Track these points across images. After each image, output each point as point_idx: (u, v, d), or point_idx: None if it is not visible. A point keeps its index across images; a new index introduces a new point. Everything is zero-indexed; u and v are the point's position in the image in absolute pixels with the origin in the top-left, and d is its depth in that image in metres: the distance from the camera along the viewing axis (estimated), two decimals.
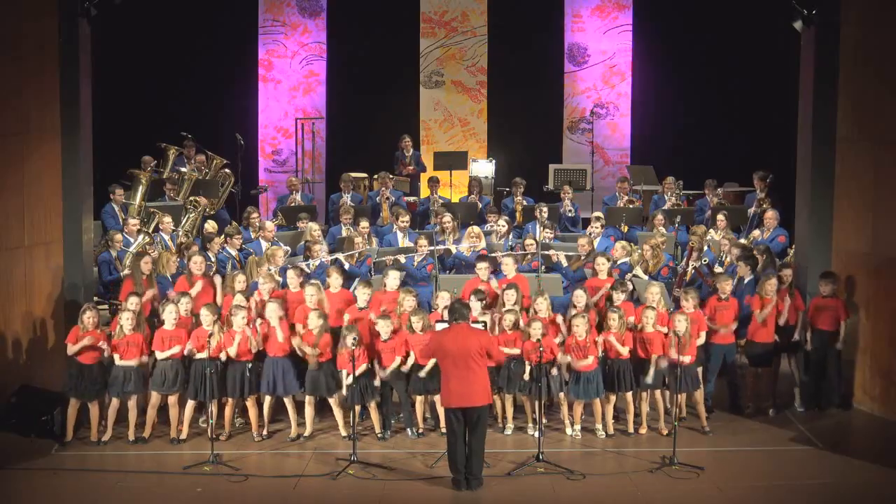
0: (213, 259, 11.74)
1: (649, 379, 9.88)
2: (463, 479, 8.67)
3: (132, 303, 9.98)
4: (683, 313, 9.96)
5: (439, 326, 9.48)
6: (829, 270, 10.72)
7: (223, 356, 9.74)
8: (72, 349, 9.71)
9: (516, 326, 9.89)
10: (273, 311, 9.90)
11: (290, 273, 10.61)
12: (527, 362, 9.73)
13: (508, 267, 10.91)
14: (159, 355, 9.81)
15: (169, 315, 9.86)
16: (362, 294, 10.29)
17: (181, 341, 9.82)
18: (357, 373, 9.67)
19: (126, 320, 9.78)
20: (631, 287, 10.75)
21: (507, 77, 16.94)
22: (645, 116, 16.97)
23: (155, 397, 9.84)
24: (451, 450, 8.71)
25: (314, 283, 10.33)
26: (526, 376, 9.74)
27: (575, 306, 10.15)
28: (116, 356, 9.77)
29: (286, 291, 10.53)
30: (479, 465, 8.72)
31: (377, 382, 9.88)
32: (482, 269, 10.82)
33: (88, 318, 9.76)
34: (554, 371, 9.82)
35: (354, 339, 9.55)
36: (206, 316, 9.82)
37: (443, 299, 10.15)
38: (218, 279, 10.94)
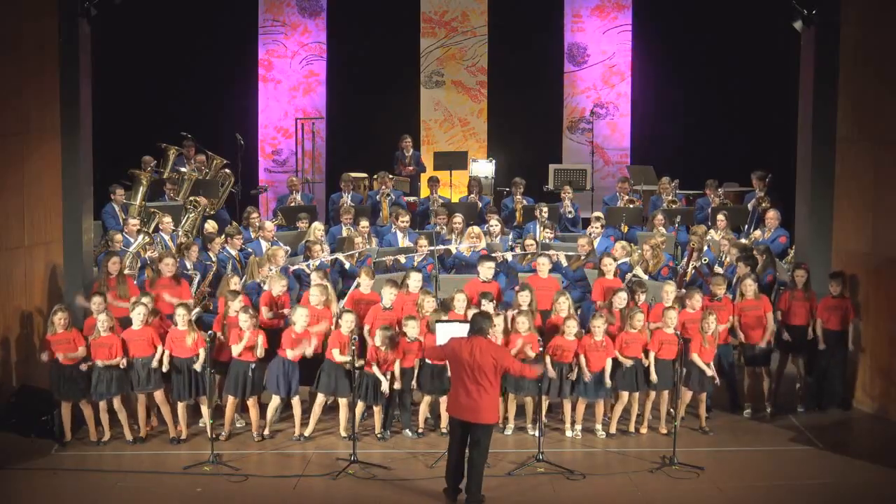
0: (213, 259, 11.76)
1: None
2: (455, 492, 8.52)
3: (95, 302, 9.92)
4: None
5: (440, 326, 9.46)
6: (839, 270, 10.71)
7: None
8: (44, 358, 9.71)
9: (531, 329, 9.87)
10: (302, 317, 9.82)
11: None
12: (548, 361, 9.75)
13: (543, 268, 10.85)
14: (98, 361, 9.67)
15: (137, 316, 9.80)
16: (388, 294, 10.24)
17: (149, 341, 9.76)
18: (393, 372, 9.73)
19: (102, 322, 9.73)
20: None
21: (507, 77, 16.94)
22: (645, 116, 16.97)
23: (140, 396, 9.83)
24: (449, 459, 8.59)
25: (320, 285, 10.32)
26: (552, 373, 9.70)
27: (611, 305, 10.18)
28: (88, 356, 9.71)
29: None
30: (478, 486, 8.45)
31: (396, 385, 9.84)
32: (487, 268, 10.75)
33: (59, 319, 9.69)
34: (573, 375, 9.81)
35: (354, 339, 9.57)
36: (181, 315, 9.80)
37: (459, 301, 10.12)
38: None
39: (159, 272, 10.72)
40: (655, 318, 10.12)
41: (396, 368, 9.82)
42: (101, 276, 10.64)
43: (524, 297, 10.12)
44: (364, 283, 10.55)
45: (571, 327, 9.80)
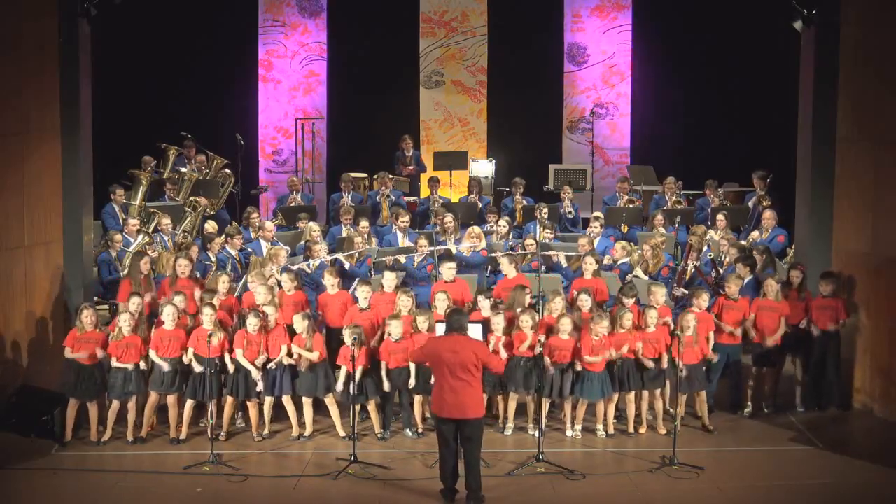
0: (213, 259, 11.76)
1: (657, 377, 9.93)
2: (453, 494, 8.54)
3: (134, 303, 9.96)
4: (692, 312, 9.97)
5: (440, 327, 9.48)
6: (830, 270, 10.72)
7: (227, 359, 9.74)
8: (69, 354, 9.71)
9: (533, 328, 9.85)
10: (270, 315, 9.89)
11: (285, 276, 10.63)
12: (547, 361, 9.75)
13: (507, 267, 10.88)
14: (154, 358, 9.75)
15: (168, 316, 9.84)
16: (363, 294, 10.28)
17: (180, 341, 9.80)
18: (357, 374, 9.66)
19: (125, 322, 9.75)
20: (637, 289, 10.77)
21: (507, 77, 16.93)
22: (645, 116, 16.96)
23: (154, 397, 9.83)
24: (441, 461, 8.57)
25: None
26: (552, 370, 9.72)
27: (580, 309, 10.14)
28: (114, 358, 9.73)
29: (281, 293, 10.52)
30: (478, 481, 8.47)
31: (386, 387, 9.84)
32: (447, 269, 10.77)
33: (86, 317, 9.74)
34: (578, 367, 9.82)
35: (354, 338, 9.56)
36: (207, 315, 9.80)
37: (440, 300, 10.13)
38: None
39: (176, 275, 10.72)
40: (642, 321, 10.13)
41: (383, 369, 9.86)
42: (134, 276, 10.65)
43: (524, 297, 10.14)
44: (329, 283, 10.58)
45: (566, 326, 9.79)
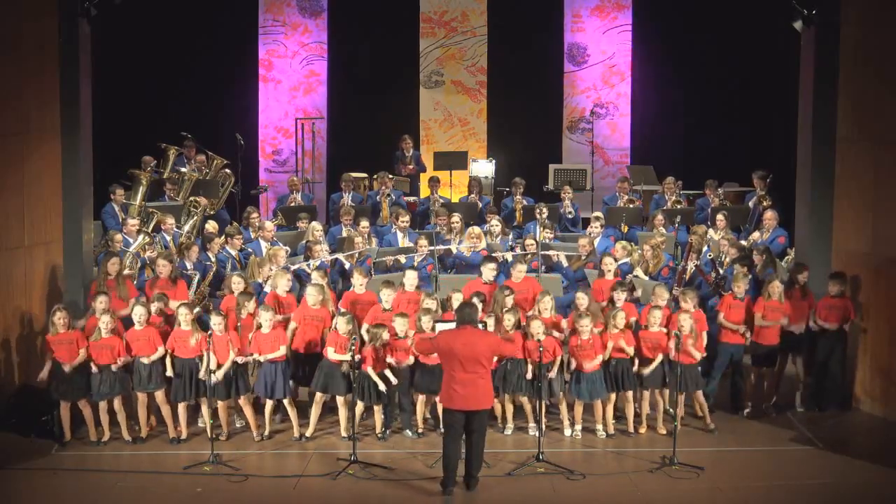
0: (213, 259, 11.76)
1: (646, 372, 9.87)
2: (453, 483, 8.60)
3: (101, 301, 9.91)
4: (687, 312, 9.96)
5: (440, 326, 9.47)
6: (839, 271, 10.71)
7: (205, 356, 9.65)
8: (48, 363, 9.71)
9: (517, 326, 9.88)
10: (267, 317, 9.84)
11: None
12: (528, 362, 9.73)
13: (520, 273, 10.80)
14: (143, 360, 9.73)
15: (136, 316, 9.81)
16: (386, 295, 10.24)
17: (151, 341, 9.75)
18: (388, 373, 9.69)
19: (105, 323, 9.71)
20: (632, 287, 10.76)
21: (506, 77, 16.95)
22: (645, 116, 16.98)
23: (142, 396, 9.83)
24: (446, 452, 8.63)
25: (317, 285, 10.30)
26: (528, 375, 9.74)
27: (578, 308, 10.13)
28: (89, 358, 9.70)
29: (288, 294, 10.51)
30: (479, 467, 8.71)
31: (394, 381, 9.76)
32: (489, 269, 10.73)
33: (59, 319, 9.68)
34: (552, 373, 9.79)
35: (354, 340, 9.55)
36: (183, 315, 9.78)
37: (456, 300, 10.11)
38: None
39: (157, 276, 10.72)
40: (644, 320, 10.11)
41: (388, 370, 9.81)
42: (101, 276, 10.64)
43: (504, 298, 10.10)
44: (358, 282, 10.55)
45: (537, 327, 9.72)
